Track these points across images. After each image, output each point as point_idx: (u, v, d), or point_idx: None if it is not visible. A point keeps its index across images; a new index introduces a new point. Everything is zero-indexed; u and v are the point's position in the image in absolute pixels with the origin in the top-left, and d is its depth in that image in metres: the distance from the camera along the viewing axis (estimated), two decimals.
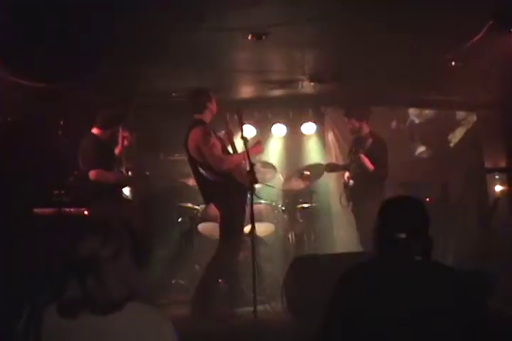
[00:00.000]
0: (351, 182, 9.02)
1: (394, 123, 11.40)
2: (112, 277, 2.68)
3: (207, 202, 7.61)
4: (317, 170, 9.93)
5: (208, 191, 7.32)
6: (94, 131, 7.56)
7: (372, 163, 8.62)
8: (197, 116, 7.32)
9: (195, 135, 7.13)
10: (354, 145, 9.08)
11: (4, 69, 6.80)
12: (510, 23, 6.42)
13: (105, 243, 2.72)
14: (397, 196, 3.66)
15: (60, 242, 2.86)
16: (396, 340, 3.15)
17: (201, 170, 7.22)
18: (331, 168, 9.70)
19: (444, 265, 3.40)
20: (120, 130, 7.77)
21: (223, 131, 7.72)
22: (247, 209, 7.08)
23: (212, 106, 7.37)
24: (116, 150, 7.76)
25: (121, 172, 7.69)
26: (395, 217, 3.44)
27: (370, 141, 8.68)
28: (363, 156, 8.67)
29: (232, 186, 7.14)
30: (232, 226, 7.16)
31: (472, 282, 3.28)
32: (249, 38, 6.79)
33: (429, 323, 3.12)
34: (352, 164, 9.04)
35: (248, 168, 6.91)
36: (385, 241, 3.42)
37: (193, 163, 7.26)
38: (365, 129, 9.02)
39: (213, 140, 7.17)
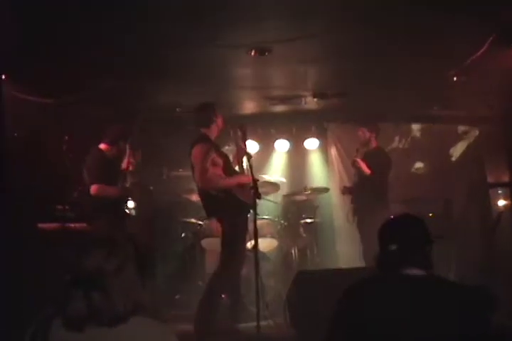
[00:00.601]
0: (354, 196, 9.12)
1: (396, 139, 11.41)
2: (116, 290, 2.69)
3: (209, 215, 7.58)
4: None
5: (211, 205, 7.28)
6: (101, 146, 7.61)
7: (369, 167, 8.72)
8: (203, 131, 7.28)
9: (196, 151, 7.11)
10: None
11: (10, 85, 6.84)
12: None
13: (109, 257, 2.74)
14: (396, 214, 3.71)
15: (64, 256, 2.88)
16: None
17: None
18: (343, 191, 9.75)
19: (448, 280, 3.41)
20: (128, 147, 7.78)
21: (227, 147, 7.71)
22: (250, 224, 7.10)
23: (219, 121, 7.34)
24: (122, 166, 7.77)
25: (124, 186, 7.69)
26: (390, 231, 3.49)
27: (370, 147, 8.83)
28: (359, 160, 8.79)
29: (234, 201, 7.12)
30: (234, 241, 7.13)
31: (476, 297, 3.29)
32: (252, 54, 6.82)
33: (432, 339, 3.12)
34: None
35: (252, 184, 6.88)
36: (382, 256, 3.45)
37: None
38: (373, 143, 9.12)
39: (215, 157, 7.14)
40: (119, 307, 2.68)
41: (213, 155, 7.09)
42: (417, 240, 3.42)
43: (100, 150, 7.61)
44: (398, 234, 3.46)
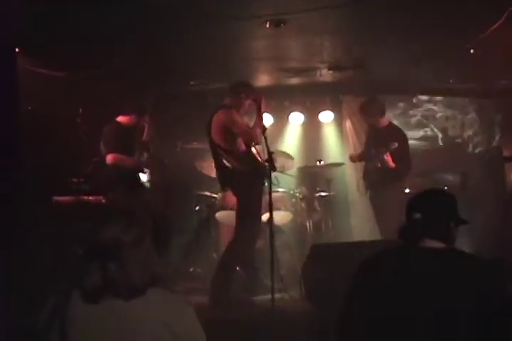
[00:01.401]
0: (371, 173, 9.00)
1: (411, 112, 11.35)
2: (133, 263, 2.70)
3: (223, 186, 7.58)
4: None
5: (226, 176, 7.28)
6: (119, 118, 7.69)
7: (395, 161, 8.54)
8: (226, 101, 7.31)
9: (219, 116, 7.09)
10: (373, 139, 9.00)
11: (25, 59, 6.83)
12: None
13: (127, 229, 2.74)
14: (430, 188, 3.68)
15: (81, 229, 2.88)
16: (417, 329, 3.16)
17: (222, 155, 7.16)
18: (353, 159, 9.59)
19: (467, 253, 3.40)
20: (147, 120, 7.87)
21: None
22: (265, 196, 7.10)
23: (246, 99, 7.27)
24: (143, 138, 7.85)
25: (140, 158, 7.75)
26: (418, 203, 3.47)
27: (395, 144, 8.53)
28: (386, 157, 8.55)
29: (250, 172, 7.11)
30: (248, 213, 7.14)
31: (494, 270, 3.28)
32: (267, 25, 6.77)
33: (450, 312, 3.12)
34: (371, 158, 8.95)
35: (266, 156, 6.87)
36: (405, 226, 3.44)
37: (214, 147, 7.22)
38: (383, 121, 8.93)
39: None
40: (136, 279, 2.69)
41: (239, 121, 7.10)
42: (442, 213, 3.41)
43: (118, 122, 7.72)
44: (425, 206, 3.45)
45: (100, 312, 2.68)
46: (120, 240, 2.70)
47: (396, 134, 8.83)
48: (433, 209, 3.42)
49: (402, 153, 8.60)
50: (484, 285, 3.17)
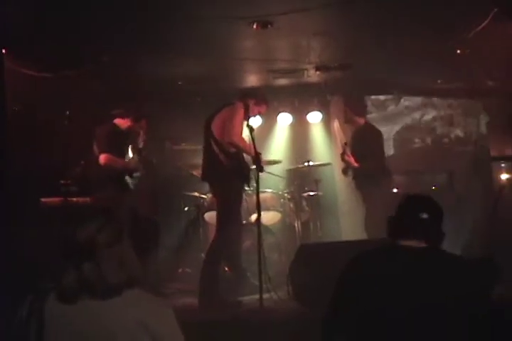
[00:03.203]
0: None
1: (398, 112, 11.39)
2: (109, 263, 2.72)
3: (204, 180, 7.58)
4: None
5: (212, 171, 7.28)
6: (116, 121, 7.71)
7: (357, 160, 8.56)
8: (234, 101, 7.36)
9: (227, 111, 7.14)
10: (351, 139, 9.02)
11: (11, 60, 6.82)
12: None
13: (102, 228, 2.75)
14: (415, 194, 3.68)
15: (61, 230, 2.89)
16: (402, 328, 3.17)
17: (214, 148, 7.15)
18: (344, 171, 9.53)
19: (449, 253, 3.41)
20: (143, 126, 7.87)
21: None
22: (253, 196, 7.11)
23: (246, 105, 7.29)
24: (138, 143, 7.86)
25: (133, 160, 7.76)
26: (405, 207, 3.48)
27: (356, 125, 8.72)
28: (347, 157, 8.63)
29: (237, 171, 7.11)
30: (229, 211, 7.14)
31: (478, 269, 3.30)
32: (255, 27, 6.78)
33: (436, 310, 3.14)
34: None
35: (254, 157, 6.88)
36: (393, 227, 3.45)
37: (209, 140, 7.24)
38: (360, 121, 8.93)
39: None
40: (112, 279, 2.70)
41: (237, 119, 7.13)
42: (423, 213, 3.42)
43: (115, 124, 7.72)
44: (408, 208, 3.47)
45: (76, 312, 2.70)
46: (95, 240, 2.72)
47: (370, 132, 8.87)
48: (433, 214, 3.41)
49: (374, 150, 8.65)
50: (465, 284, 3.19)
